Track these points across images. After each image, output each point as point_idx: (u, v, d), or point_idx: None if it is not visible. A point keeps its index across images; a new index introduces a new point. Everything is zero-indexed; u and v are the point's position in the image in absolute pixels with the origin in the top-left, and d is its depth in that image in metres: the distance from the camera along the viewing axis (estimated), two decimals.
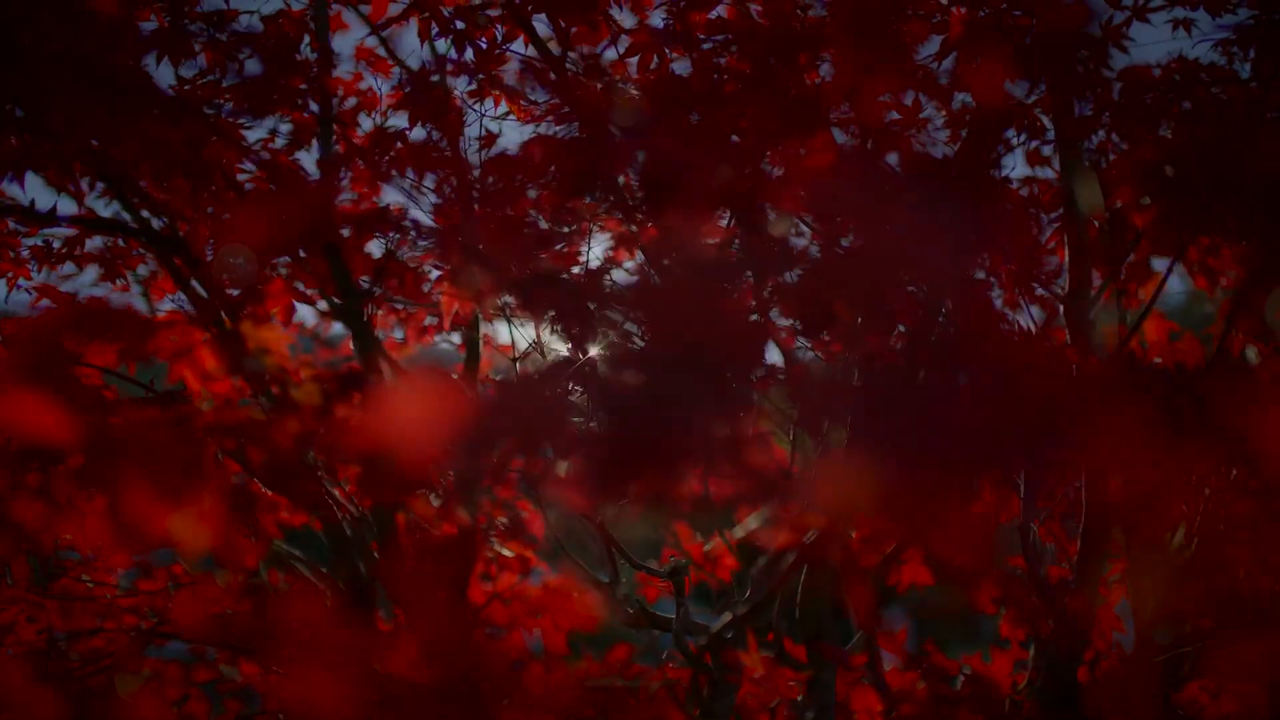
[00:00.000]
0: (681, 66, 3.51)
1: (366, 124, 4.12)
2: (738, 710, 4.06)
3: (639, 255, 3.62)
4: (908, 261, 3.17)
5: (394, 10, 3.87)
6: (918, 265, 3.14)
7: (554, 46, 3.74)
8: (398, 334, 4.93)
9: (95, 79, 2.89)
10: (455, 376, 3.92)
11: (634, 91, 3.40)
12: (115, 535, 2.15)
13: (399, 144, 3.60)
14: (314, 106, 3.73)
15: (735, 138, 3.23)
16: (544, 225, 3.38)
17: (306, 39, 3.88)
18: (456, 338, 4.26)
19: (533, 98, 3.65)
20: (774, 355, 3.79)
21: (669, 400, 1.80)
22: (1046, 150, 4.08)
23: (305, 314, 5.01)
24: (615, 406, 1.74)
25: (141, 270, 4.14)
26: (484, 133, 3.82)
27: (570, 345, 2.16)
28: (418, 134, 3.75)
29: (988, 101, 3.65)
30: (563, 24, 3.61)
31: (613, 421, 1.71)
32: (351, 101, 4.16)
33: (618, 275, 3.38)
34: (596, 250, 4.18)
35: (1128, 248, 3.67)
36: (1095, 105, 4.30)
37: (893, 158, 4.23)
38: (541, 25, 3.73)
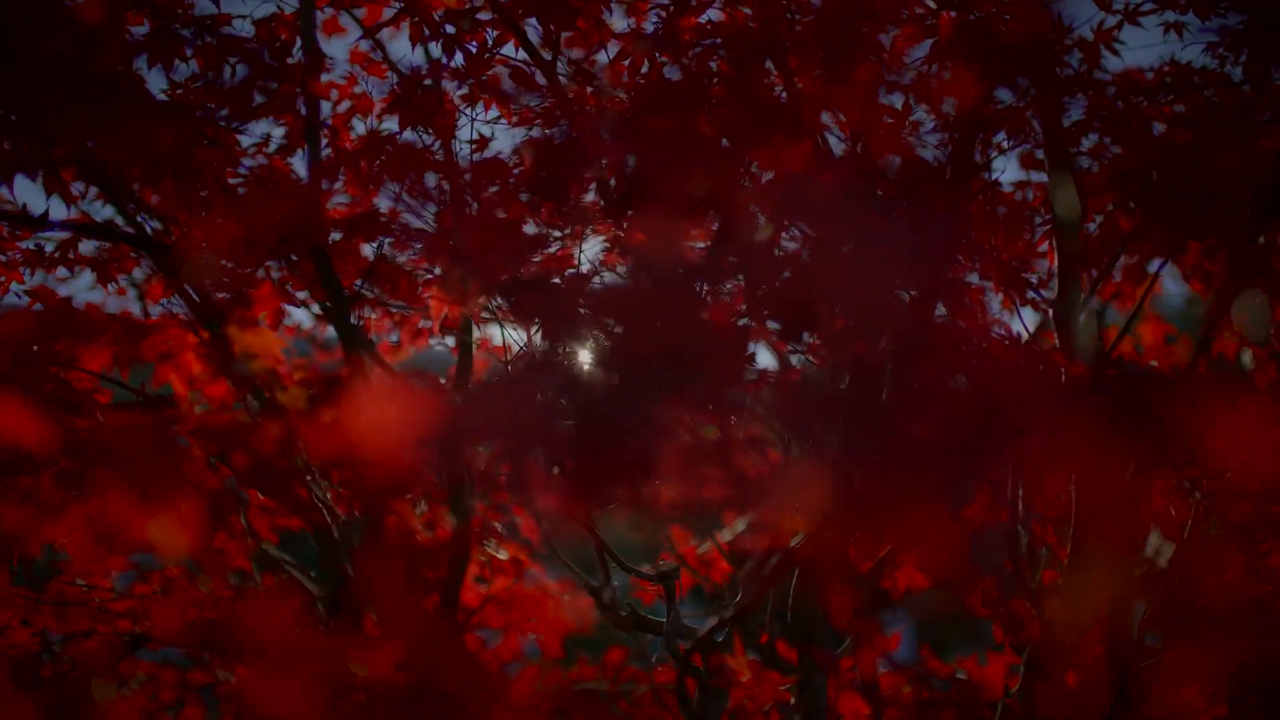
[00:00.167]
0: (674, 70, 3.53)
1: (361, 128, 4.13)
2: (733, 713, 4.06)
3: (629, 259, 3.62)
4: (892, 267, 3.18)
5: (386, 14, 3.88)
6: (901, 271, 3.14)
7: (546, 53, 3.75)
8: (394, 337, 4.93)
9: (84, 83, 2.90)
10: (443, 381, 3.92)
11: (621, 95, 3.40)
12: (94, 539, 2.15)
13: (389, 148, 3.60)
14: (304, 111, 3.74)
15: (725, 141, 3.24)
16: (536, 229, 3.40)
17: (299, 42, 3.89)
18: (451, 341, 4.26)
19: (522, 102, 3.65)
20: (770, 359, 3.81)
21: (645, 404, 1.80)
22: (1040, 154, 4.08)
23: (302, 317, 5.01)
24: (589, 410, 1.74)
25: (137, 274, 4.16)
26: (476, 136, 3.83)
27: (552, 348, 2.16)
28: (409, 138, 3.77)
29: (975, 105, 3.65)
30: (552, 29, 3.62)
31: (586, 426, 1.71)
32: (345, 105, 4.17)
33: (610, 278, 3.37)
34: (594, 252, 4.19)
35: (1116, 251, 3.67)
36: (1089, 108, 4.30)
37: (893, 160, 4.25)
38: (533, 30, 3.74)
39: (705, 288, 2.51)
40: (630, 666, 4.66)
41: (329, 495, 3.39)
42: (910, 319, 3.23)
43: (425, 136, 3.71)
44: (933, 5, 3.60)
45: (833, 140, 3.84)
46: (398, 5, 3.76)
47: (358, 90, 4.21)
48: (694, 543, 4.72)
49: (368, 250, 3.78)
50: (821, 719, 3.65)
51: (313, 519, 3.35)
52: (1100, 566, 1.70)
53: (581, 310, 2.09)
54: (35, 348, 3.63)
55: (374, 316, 4.56)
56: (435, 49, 3.84)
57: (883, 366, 2.70)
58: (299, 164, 3.72)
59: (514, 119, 3.69)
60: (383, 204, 3.67)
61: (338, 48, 6.61)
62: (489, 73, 3.68)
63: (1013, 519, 3.42)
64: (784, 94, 3.61)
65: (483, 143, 3.84)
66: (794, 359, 3.35)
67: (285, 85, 3.44)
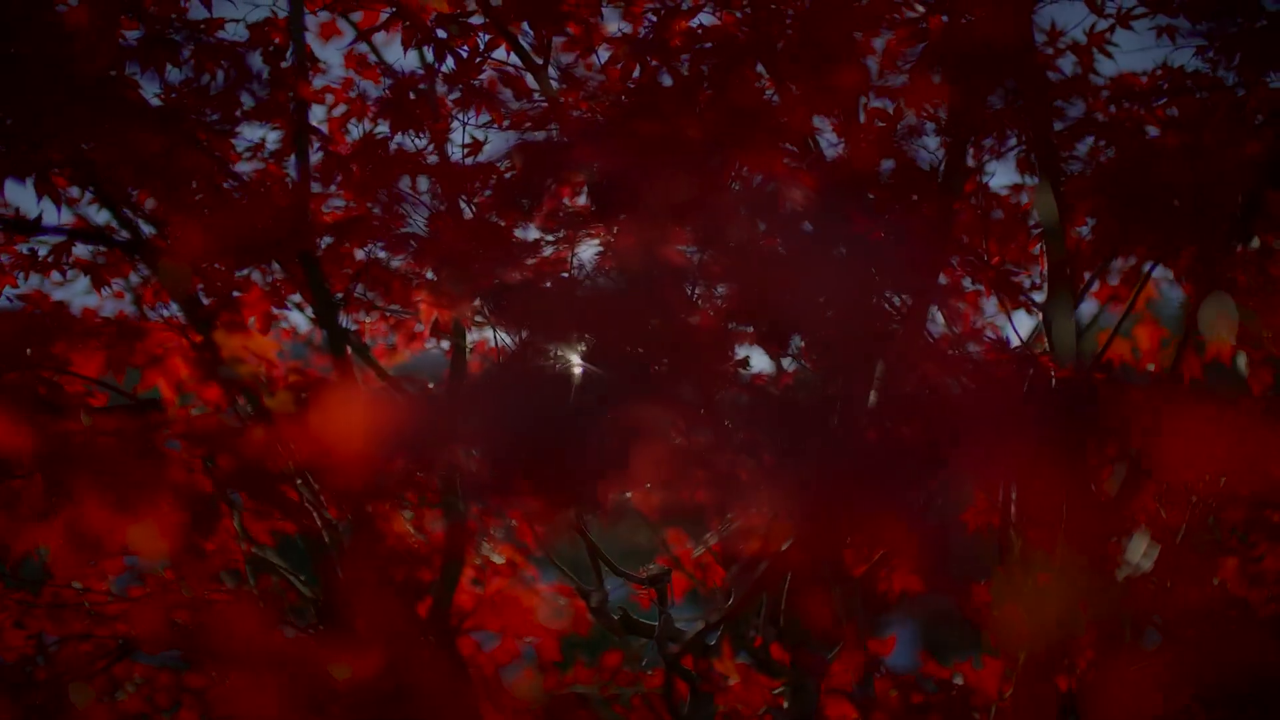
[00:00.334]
0: (665, 76, 3.53)
1: (357, 131, 4.13)
2: (725, 718, 4.06)
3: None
4: (880, 272, 3.18)
5: (382, 18, 3.88)
6: (889, 276, 3.14)
7: (538, 57, 3.76)
8: (391, 340, 4.94)
9: (72, 87, 2.91)
10: (431, 385, 3.93)
11: (608, 100, 3.41)
12: (72, 543, 2.16)
13: (381, 152, 3.61)
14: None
15: (714, 145, 3.25)
16: (530, 233, 3.40)
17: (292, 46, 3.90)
18: (447, 344, 4.26)
19: (512, 106, 3.66)
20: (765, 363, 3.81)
21: (616, 407, 1.81)
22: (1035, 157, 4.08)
23: (299, 320, 5.02)
24: (557, 413, 1.74)
25: (134, 278, 4.17)
26: (470, 140, 3.84)
27: (525, 351, 2.16)
28: (402, 142, 3.78)
29: (965, 110, 3.65)
30: (544, 34, 3.63)
31: (553, 429, 1.71)
32: (341, 109, 4.17)
33: (593, 282, 3.38)
34: (588, 256, 4.19)
35: (1108, 256, 3.67)
36: (1085, 113, 4.31)
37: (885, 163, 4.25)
38: (525, 35, 3.75)
39: (691, 291, 2.52)
40: (627, 670, 4.67)
41: (323, 498, 3.39)
42: (892, 324, 3.24)
43: (417, 141, 3.72)
44: (922, 9, 3.59)
45: (827, 143, 3.86)
46: (390, 10, 3.75)
47: (353, 94, 4.22)
48: (689, 546, 4.71)
49: (361, 254, 3.79)
50: None
51: (303, 522, 3.36)
52: (1048, 572, 1.70)
53: (559, 313, 2.09)
54: (29, 351, 3.65)
55: (369, 320, 4.56)
56: (429, 53, 3.85)
57: (867, 372, 2.70)
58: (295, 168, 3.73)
59: (504, 123, 3.70)
60: (377, 208, 3.67)
61: (334, 51, 6.60)
62: (480, 77, 3.69)
63: (1004, 523, 3.42)
64: (776, 98, 3.62)
65: (476, 146, 3.84)
66: (786, 363, 3.35)
67: (275, 90, 3.45)
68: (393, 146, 3.78)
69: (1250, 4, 3.56)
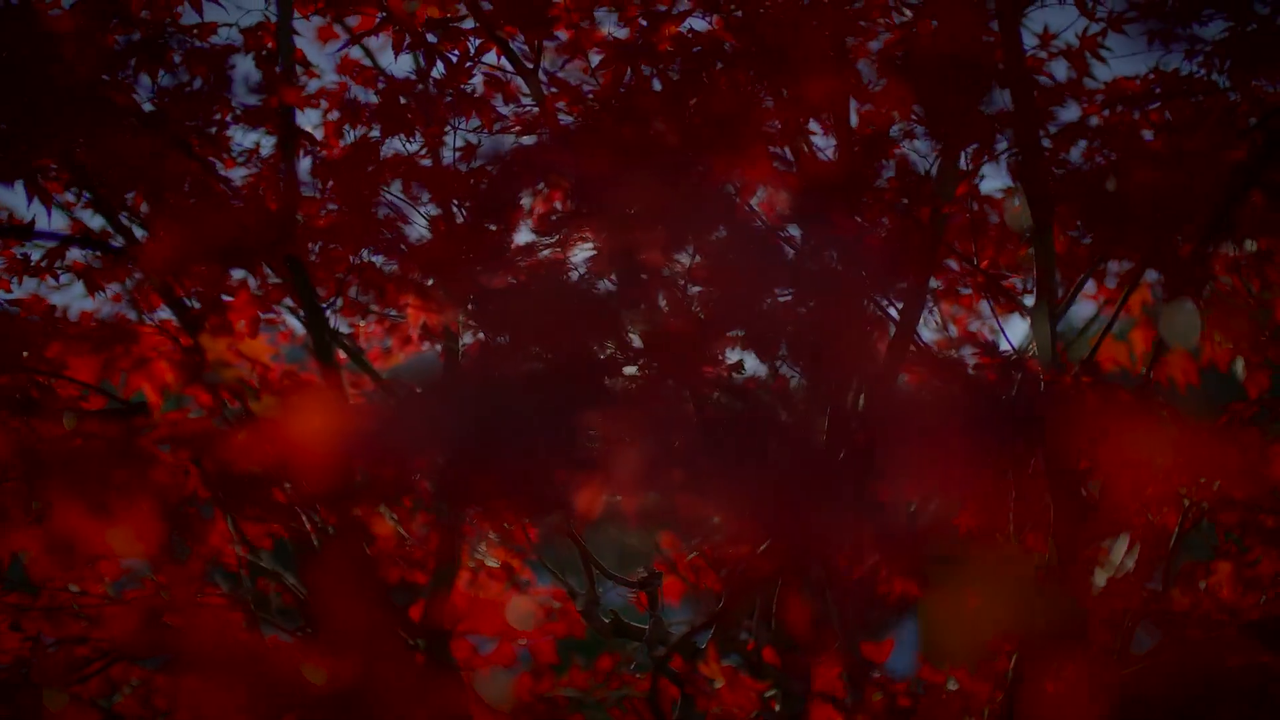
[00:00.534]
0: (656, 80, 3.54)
1: (353, 135, 4.13)
2: None
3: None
4: (869, 277, 3.18)
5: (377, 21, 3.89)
6: (876, 279, 3.14)
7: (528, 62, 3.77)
8: (387, 343, 4.95)
9: (57, 93, 2.92)
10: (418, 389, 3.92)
11: (597, 105, 3.42)
12: (48, 547, 2.17)
13: (371, 156, 3.62)
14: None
15: (705, 148, 3.25)
16: (521, 236, 3.41)
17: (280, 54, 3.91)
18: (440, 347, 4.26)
19: (502, 110, 3.67)
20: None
21: (575, 412, 1.81)
22: None
23: (296, 324, 5.02)
24: (520, 419, 1.74)
25: (129, 282, 4.18)
26: (464, 143, 3.84)
27: (492, 355, 2.16)
28: (396, 146, 3.79)
29: (958, 114, 3.66)
30: (534, 39, 3.64)
31: (516, 435, 1.71)
32: (336, 113, 4.17)
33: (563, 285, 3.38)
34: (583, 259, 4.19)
35: (1096, 260, 3.67)
36: (1080, 116, 4.31)
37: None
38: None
39: (671, 295, 2.52)
40: (624, 673, 4.67)
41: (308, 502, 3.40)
42: (878, 328, 3.25)
43: (409, 145, 3.73)
44: (910, 14, 3.60)
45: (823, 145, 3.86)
46: (382, 14, 3.76)
47: (349, 97, 4.22)
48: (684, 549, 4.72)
49: (355, 259, 3.79)
50: None
51: (291, 525, 3.37)
52: (989, 579, 1.70)
53: (532, 316, 2.10)
54: (25, 354, 3.67)
55: (365, 324, 4.58)
56: (421, 58, 3.86)
57: (848, 376, 2.70)
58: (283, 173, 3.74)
59: (495, 127, 3.71)
60: (366, 213, 3.68)
61: (333, 55, 6.63)
62: (469, 82, 3.70)
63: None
64: (769, 102, 3.62)
65: (469, 150, 3.85)
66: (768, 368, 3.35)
67: (267, 95, 3.46)
68: (386, 151, 3.79)
69: (1241, 6, 3.56)
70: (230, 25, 3.86)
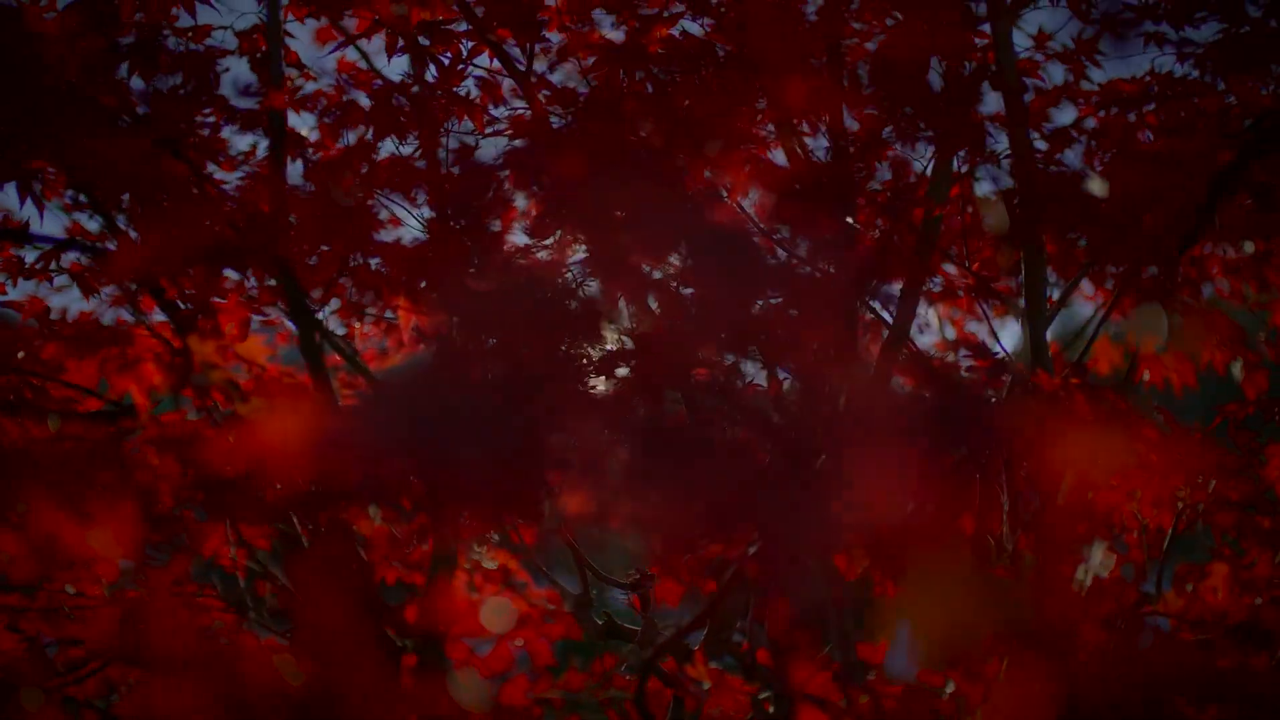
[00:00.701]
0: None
1: (351, 137, 4.14)
2: None
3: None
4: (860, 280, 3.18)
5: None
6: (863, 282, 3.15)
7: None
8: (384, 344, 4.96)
9: (43, 95, 2.93)
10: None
11: (585, 108, 3.43)
12: (25, 548, 2.18)
13: (362, 159, 3.63)
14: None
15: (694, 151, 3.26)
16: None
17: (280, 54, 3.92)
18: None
19: (493, 113, 3.68)
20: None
21: (548, 413, 1.81)
22: None
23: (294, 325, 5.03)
24: (482, 421, 1.74)
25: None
26: (459, 145, 3.84)
27: (443, 355, 2.16)
28: (390, 149, 3.80)
29: (951, 117, 3.66)
30: (525, 42, 3.64)
31: (477, 437, 1.71)
32: (331, 117, 4.17)
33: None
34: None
35: (1085, 264, 3.67)
36: (1077, 118, 4.31)
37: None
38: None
39: (658, 297, 2.52)
40: (617, 675, 4.67)
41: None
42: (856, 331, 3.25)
43: (403, 148, 3.74)
44: (899, 17, 3.60)
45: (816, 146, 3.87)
46: (375, 17, 3.77)
47: (346, 99, 4.23)
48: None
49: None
50: None
51: (280, 526, 3.38)
52: (932, 586, 1.70)
53: (502, 317, 2.09)
54: (20, 355, 3.68)
55: (360, 325, 4.58)
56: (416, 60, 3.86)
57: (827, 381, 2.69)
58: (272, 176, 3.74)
59: (486, 130, 3.71)
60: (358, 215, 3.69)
61: (330, 57, 6.63)
62: (461, 84, 3.71)
63: (981, 529, 3.41)
64: (762, 103, 3.63)
65: (465, 152, 3.85)
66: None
67: (248, 98, 3.48)
68: (381, 153, 3.80)
69: (1234, 8, 3.56)
70: (225, 28, 3.88)
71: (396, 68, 8.62)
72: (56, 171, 3.52)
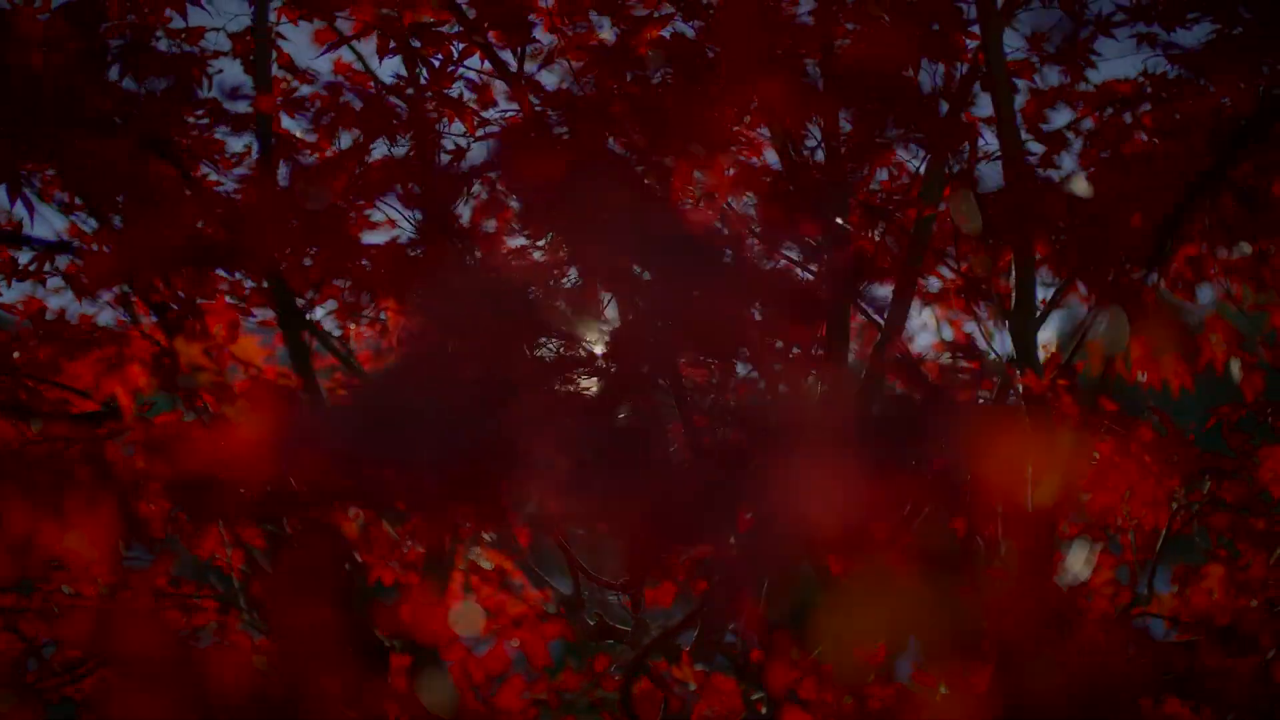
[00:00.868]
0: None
1: (348, 139, 4.14)
2: None
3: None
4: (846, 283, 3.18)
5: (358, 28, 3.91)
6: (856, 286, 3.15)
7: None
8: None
9: (27, 96, 2.94)
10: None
11: (568, 109, 3.43)
12: (6, 549, 2.19)
13: (353, 160, 3.63)
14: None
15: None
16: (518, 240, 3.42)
17: (274, 55, 3.93)
18: None
19: (484, 114, 3.69)
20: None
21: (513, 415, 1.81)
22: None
23: None
24: (444, 421, 1.74)
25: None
26: (454, 147, 3.85)
27: (410, 359, 2.16)
28: (381, 149, 3.80)
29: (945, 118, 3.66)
30: (515, 43, 3.64)
31: (438, 437, 1.71)
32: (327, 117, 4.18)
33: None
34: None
35: (1075, 266, 3.67)
36: (1074, 120, 4.30)
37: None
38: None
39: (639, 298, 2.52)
40: (590, 676, 4.68)
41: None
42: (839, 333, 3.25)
43: (394, 150, 3.74)
44: (888, 19, 3.60)
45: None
46: (366, 20, 3.77)
47: (342, 101, 4.23)
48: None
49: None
50: None
51: (275, 530, 3.39)
52: (871, 594, 1.70)
53: (475, 317, 2.09)
54: (16, 356, 3.70)
55: (355, 326, 4.59)
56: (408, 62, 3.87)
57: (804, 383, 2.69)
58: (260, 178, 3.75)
59: (478, 132, 3.72)
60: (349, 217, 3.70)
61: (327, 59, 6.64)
62: (452, 86, 3.71)
63: (969, 530, 3.41)
64: (756, 103, 3.63)
65: (459, 154, 3.86)
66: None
67: (235, 100, 3.49)
68: (375, 154, 3.81)
69: (1228, 8, 3.55)
70: (218, 30, 3.89)
71: (394, 70, 8.63)
72: (53, 173, 3.54)
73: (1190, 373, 4.44)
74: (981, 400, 3.51)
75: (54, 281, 3.93)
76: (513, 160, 2.53)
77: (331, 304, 4.09)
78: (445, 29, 3.68)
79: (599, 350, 2.12)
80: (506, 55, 3.75)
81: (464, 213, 3.63)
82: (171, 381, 3.33)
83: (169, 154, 3.30)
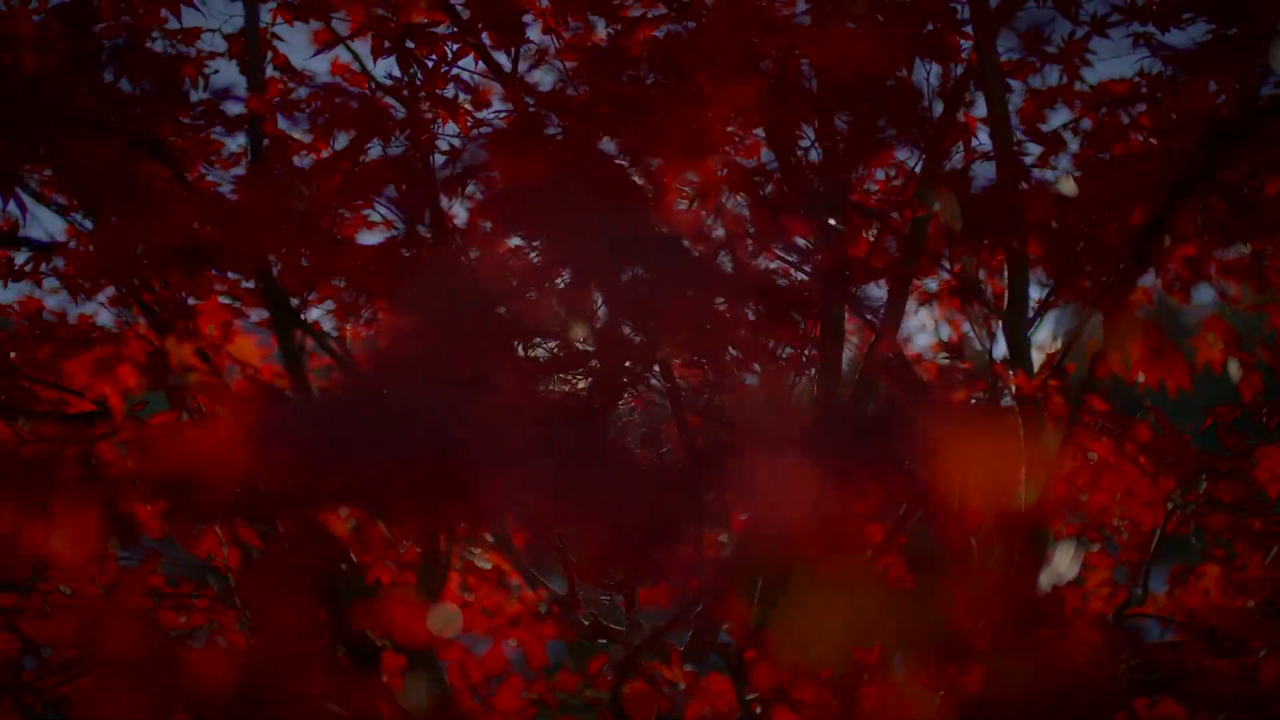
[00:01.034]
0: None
1: (344, 140, 4.15)
2: None
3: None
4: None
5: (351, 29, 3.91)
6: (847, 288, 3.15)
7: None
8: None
9: (14, 98, 2.95)
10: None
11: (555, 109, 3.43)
12: None
13: (346, 161, 3.63)
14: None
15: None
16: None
17: (269, 56, 3.94)
18: None
19: (477, 115, 3.69)
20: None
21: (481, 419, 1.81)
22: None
23: None
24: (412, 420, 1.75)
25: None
26: (448, 148, 3.85)
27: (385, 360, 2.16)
28: (375, 150, 3.80)
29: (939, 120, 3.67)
30: (508, 44, 3.65)
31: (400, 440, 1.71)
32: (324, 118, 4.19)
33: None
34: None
35: (1066, 266, 3.66)
36: (1074, 120, 4.30)
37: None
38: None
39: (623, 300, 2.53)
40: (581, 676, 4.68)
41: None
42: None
43: (386, 149, 3.75)
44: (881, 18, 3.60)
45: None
46: (359, 21, 3.78)
47: (338, 101, 4.24)
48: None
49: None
50: None
51: (265, 531, 3.39)
52: (830, 592, 1.70)
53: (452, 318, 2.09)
54: (13, 356, 3.71)
55: (352, 326, 4.59)
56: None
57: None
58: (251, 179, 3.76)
59: (470, 133, 3.72)
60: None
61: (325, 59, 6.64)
62: (446, 87, 3.72)
63: (960, 530, 3.41)
64: (749, 105, 3.62)
65: (455, 154, 3.86)
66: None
67: (221, 101, 3.50)
68: (369, 155, 3.81)
69: (1222, 8, 3.55)
70: (214, 30, 3.90)
71: (390, 71, 8.64)
72: (50, 174, 3.55)
73: (1188, 373, 4.44)
74: (974, 400, 3.51)
75: (52, 282, 3.96)
76: (500, 163, 2.53)
77: (330, 304, 4.10)
78: (440, 29, 3.69)
79: (581, 350, 2.12)
80: (501, 57, 3.76)
81: (460, 213, 3.65)
82: (162, 381, 3.34)
83: (160, 154, 3.30)
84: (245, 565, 3.87)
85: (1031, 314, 3.48)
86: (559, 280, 2.17)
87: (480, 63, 3.75)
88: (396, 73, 3.85)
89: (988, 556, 3.40)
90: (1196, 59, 3.40)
